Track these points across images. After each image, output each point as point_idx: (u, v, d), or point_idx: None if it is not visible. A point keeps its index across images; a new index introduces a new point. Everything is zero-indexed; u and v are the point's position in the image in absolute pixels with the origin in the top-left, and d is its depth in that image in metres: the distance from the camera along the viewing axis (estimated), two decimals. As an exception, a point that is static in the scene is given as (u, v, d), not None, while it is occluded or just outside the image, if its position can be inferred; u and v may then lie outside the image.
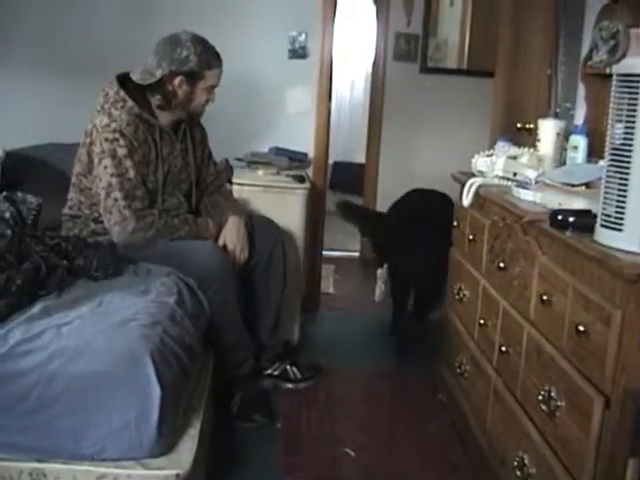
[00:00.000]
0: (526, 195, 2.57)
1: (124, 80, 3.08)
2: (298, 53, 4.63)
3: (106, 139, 2.93)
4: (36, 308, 2.34)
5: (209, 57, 3.09)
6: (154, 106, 3.13)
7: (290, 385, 3.45)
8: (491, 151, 3.10)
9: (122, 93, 3.01)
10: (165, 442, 2.13)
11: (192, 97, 3.13)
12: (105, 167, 2.94)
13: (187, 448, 2.20)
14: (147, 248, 2.98)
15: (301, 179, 4.12)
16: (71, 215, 3.14)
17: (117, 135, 2.93)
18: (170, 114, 3.16)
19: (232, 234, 3.18)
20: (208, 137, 3.48)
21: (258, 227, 3.38)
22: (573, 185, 2.59)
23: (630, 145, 1.80)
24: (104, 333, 2.20)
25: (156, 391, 2.07)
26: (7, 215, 2.65)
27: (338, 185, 8.15)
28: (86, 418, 2.06)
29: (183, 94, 3.10)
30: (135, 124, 2.99)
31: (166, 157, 3.13)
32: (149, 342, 2.17)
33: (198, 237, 3.10)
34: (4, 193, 2.83)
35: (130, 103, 3.00)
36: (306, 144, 4.63)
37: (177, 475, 2.07)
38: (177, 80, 3.06)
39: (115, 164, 2.93)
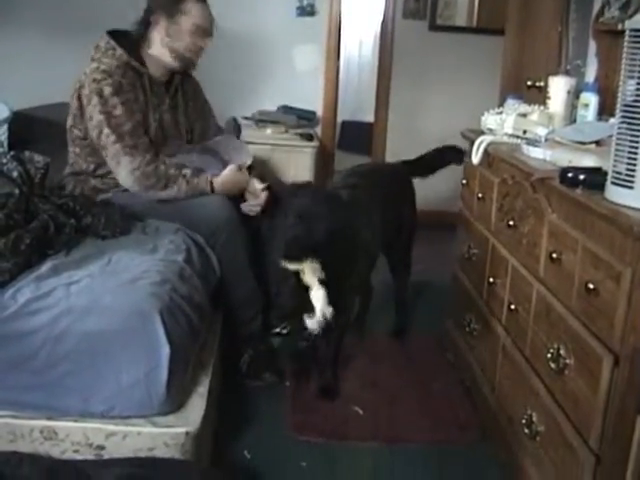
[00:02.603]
0: (536, 153, 2.56)
1: (117, 36, 3.08)
2: (306, 11, 4.60)
3: (94, 79, 2.93)
4: (45, 267, 2.35)
5: None
6: (149, 55, 3.12)
7: (299, 343, 3.45)
8: (501, 109, 3.07)
9: (112, 42, 3.03)
10: (174, 400, 2.15)
11: (179, 36, 3.08)
12: (94, 106, 2.93)
13: (196, 406, 2.22)
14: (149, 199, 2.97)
15: (309, 137, 4.11)
16: (71, 172, 3.14)
17: (105, 75, 2.94)
18: (161, 61, 3.13)
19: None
20: (205, 92, 3.43)
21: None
22: (583, 143, 2.57)
23: (642, 101, 1.78)
24: (113, 291, 2.21)
25: (165, 349, 2.09)
26: (15, 174, 2.65)
27: (346, 144, 8.11)
28: (95, 376, 2.08)
29: (168, 33, 3.07)
30: (123, 69, 3.00)
31: (156, 107, 3.12)
32: (158, 300, 2.18)
33: (194, 194, 3.01)
34: (12, 152, 2.83)
35: (119, 50, 3.02)
36: (314, 102, 4.62)
37: (186, 433, 2.09)
38: (158, 17, 3.07)
39: (102, 102, 2.92)
